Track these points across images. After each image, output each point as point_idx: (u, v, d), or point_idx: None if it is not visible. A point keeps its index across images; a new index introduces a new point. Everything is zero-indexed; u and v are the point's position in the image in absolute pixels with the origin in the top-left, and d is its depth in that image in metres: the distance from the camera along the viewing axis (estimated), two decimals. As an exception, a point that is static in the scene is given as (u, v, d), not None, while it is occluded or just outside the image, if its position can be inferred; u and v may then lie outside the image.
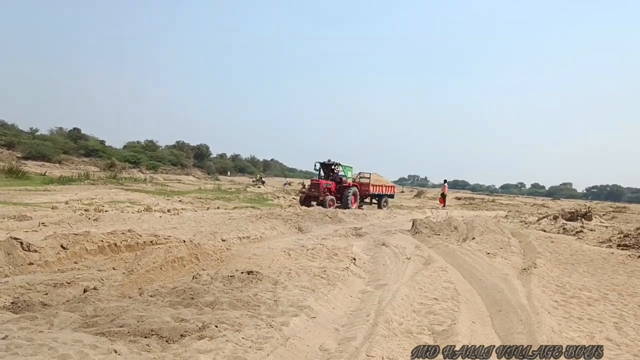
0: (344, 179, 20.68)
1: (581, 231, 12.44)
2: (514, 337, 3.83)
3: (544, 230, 13.48)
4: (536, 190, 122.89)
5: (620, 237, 10.92)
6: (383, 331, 3.65)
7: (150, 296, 4.26)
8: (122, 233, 7.15)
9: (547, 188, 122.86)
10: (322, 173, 21.12)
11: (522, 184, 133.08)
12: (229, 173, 73.51)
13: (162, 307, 3.91)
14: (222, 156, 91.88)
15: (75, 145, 51.48)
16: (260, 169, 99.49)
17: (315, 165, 21.22)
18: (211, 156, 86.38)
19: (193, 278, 4.88)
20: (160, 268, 5.62)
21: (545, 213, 18.70)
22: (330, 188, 19.42)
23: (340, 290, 4.95)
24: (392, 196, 24.87)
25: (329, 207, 17.38)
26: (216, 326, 3.39)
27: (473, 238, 10.33)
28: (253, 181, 55.16)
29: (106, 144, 60.42)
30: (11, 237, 5.86)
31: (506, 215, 18.75)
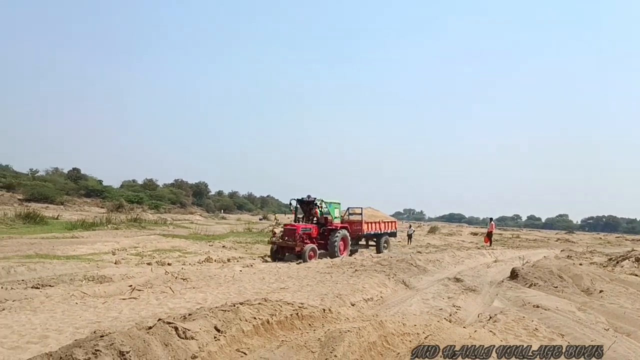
0: (329, 219, 16.45)
1: (690, 276, 11.44)
2: None
3: (636, 275, 12.45)
4: (532, 222, 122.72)
5: None
6: None
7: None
8: (259, 303, 5.90)
9: (543, 220, 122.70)
10: (299, 212, 17.15)
11: (518, 216, 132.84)
12: (222, 211, 71.75)
13: None
14: (219, 193, 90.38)
15: (76, 185, 49.91)
16: (258, 205, 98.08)
17: (290, 204, 16.92)
18: (209, 194, 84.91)
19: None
20: (362, 360, 4.40)
21: (609, 254, 17.71)
22: (310, 234, 15.39)
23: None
24: (394, 234, 20.37)
25: (310, 259, 14.14)
26: None
27: (601, 291, 9.23)
28: (260, 219, 54.03)
29: (103, 183, 58.97)
30: (162, 320, 4.61)
31: (568, 255, 17.69)
